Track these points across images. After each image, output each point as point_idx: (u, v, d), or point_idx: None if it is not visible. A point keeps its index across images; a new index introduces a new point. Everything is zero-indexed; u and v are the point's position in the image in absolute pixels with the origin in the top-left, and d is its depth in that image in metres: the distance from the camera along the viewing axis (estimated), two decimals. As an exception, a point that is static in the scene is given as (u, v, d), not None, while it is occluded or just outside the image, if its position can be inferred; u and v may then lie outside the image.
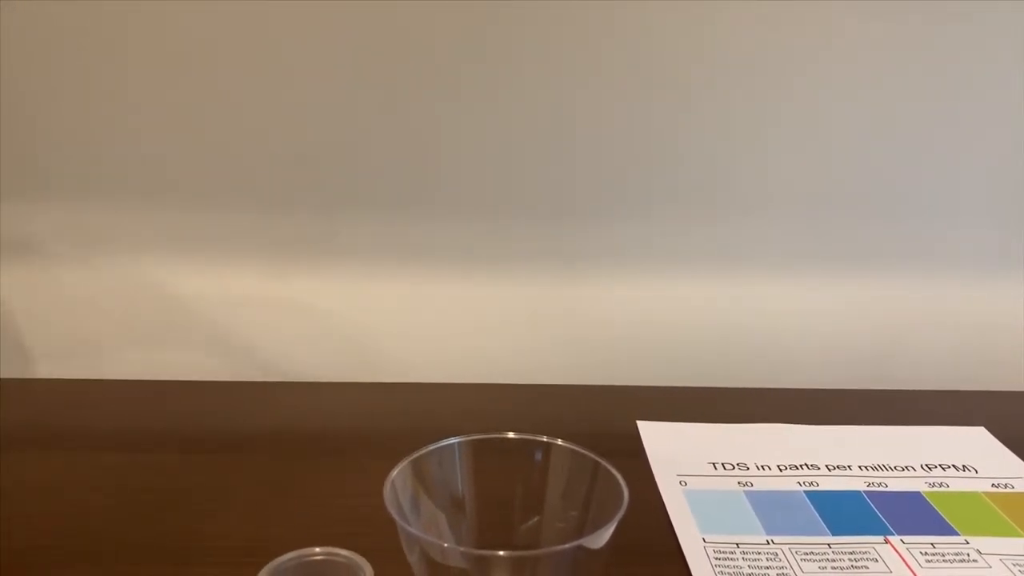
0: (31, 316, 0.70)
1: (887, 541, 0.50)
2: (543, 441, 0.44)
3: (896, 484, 0.56)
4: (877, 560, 0.49)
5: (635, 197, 0.70)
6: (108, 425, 0.62)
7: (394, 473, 0.41)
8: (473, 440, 0.44)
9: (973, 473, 0.58)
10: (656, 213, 0.70)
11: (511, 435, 0.45)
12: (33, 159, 0.67)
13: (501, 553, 0.37)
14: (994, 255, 0.72)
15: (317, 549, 0.42)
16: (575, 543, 0.37)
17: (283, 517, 0.51)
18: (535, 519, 0.44)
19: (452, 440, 0.44)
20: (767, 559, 0.48)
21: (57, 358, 0.71)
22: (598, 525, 0.38)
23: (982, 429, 0.64)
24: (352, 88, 0.66)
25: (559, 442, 0.44)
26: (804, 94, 0.68)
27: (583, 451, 0.43)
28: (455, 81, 0.66)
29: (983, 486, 0.56)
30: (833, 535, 0.51)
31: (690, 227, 0.71)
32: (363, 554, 0.42)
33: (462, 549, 0.38)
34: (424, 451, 0.43)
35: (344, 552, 0.42)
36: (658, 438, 0.61)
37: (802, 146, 0.69)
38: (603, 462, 0.42)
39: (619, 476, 0.41)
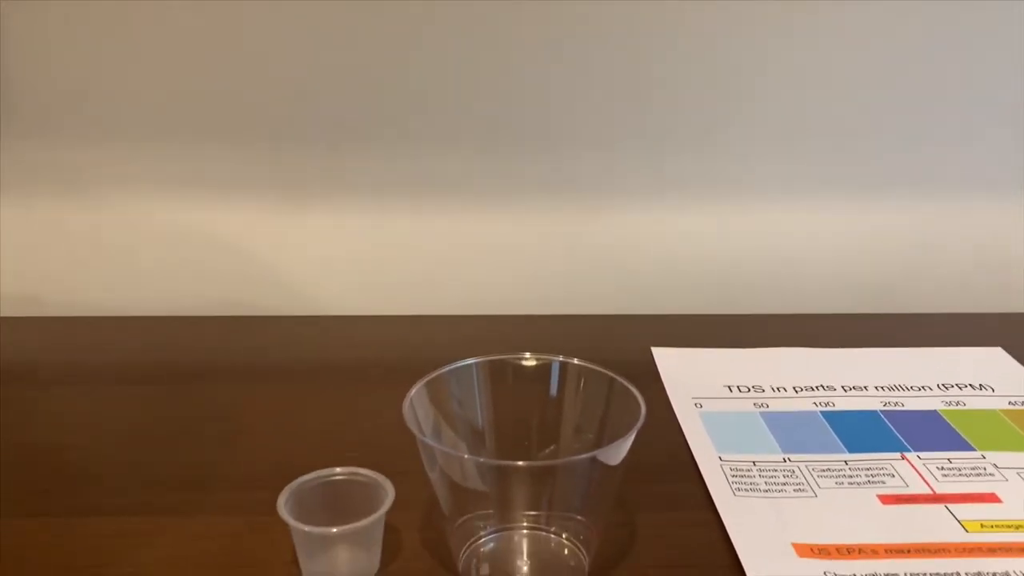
0: (46, 255, 0.71)
1: (904, 457, 0.51)
2: (560, 360, 0.44)
3: (913, 403, 0.56)
4: (894, 475, 0.49)
5: (648, 126, 0.69)
6: (125, 360, 0.63)
7: (412, 391, 0.41)
8: (490, 361, 0.44)
9: (990, 392, 0.58)
10: (668, 141, 0.69)
11: (527, 355, 0.45)
12: (36, 95, 0.66)
13: (520, 463, 0.37)
14: (1009, 177, 0.71)
15: (338, 469, 0.43)
16: (592, 453, 0.38)
17: (301, 444, 0.52)
18: (552, 438, 0.44)
19: (469, 361, 0.44)
20: (784, 476, 0.49)
21: (71, 295, 0.71)
22: (615, 440, 0.38)
23: (999, 349, 0.63)
24: (354, 20, 0.65)
25: (575, 361, 0.44)
26: (819, 19, 0.66)
27: (600, 369, 0.43)
28: (457, 12, 0.65)
29: (1000, 404, 0.56)
30: (850, 452, 0.51)
31: (703, 154, 0.70)
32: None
33: (481, 460, 0.38)
34: (442, 371, 0.43)
35: (365, 471, 0.42)
36: (673, 363, 0.61)
37: (816, 72, 0.68)
38: (619, 378, 0.42)
39: (635, 391, 0.41)
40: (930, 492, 0.47)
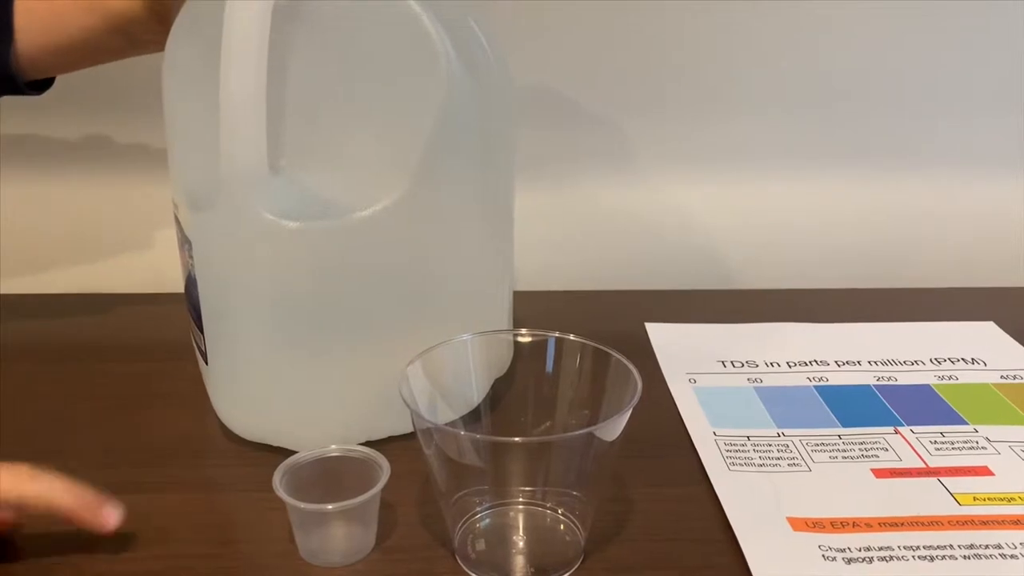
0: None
1: (897, 431, 0.51)
2: (556, 336, 0.44)
3: (906, 378, 0.57)
4: (887, 449, 0.49)
5: (640, 99, 0.69)
6: (106, 336, 0.63)
7: (408, 367, 0.41)
8: (485, 335, 0.44)
9: (982, 366, 0.58)
10: (662, 114, 0.69)
11: (523, 331, 0.45)
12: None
13: (516, 440, 0.37)
14: (1004, 152, 0.71)
15: (333, 446, 0.43)
16: (588, 429, 0.38)
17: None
18: (548, 414, 0.44)
19: (465, 336, 0.44)
20: (778, 450, 0.49)
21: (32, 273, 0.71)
22: (611, 415, 0.38)
23: (991, 323, 0.63)
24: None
25: (572, 337, 0.44)
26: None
27: (596, 344, 0.43)
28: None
29: (992, 378, 0.57)
30: (843, 427, 0.51)
31: (696, 127, 0.70)
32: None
33: (477, 436, 0.38)
34: (437, 346, 0.43)
35: (360, 448, 0.42)
36: (667, 339, 0.61)
37: (814, 43, 0.67)
38: (615, 354, 0.42)
39: (632, 367, 0.41)
40: (923, 466, 0.48)
